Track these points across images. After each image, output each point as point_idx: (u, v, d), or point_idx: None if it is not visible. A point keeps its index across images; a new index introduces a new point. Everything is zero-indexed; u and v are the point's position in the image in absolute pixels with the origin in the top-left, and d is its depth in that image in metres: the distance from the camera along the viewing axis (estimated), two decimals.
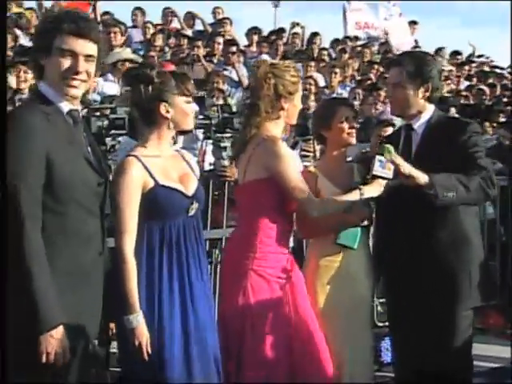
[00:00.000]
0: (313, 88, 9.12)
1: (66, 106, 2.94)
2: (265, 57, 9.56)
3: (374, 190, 3.71)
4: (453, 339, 3.75)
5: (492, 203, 7.39)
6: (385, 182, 3.72)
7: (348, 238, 4.01)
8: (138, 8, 10.81)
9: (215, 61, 9.28)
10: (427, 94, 3.85)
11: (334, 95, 9.38)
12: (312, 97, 8.21)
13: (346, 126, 4.08)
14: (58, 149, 2.82)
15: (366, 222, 4.05)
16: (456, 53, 14.17)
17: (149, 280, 3.16)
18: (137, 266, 3.13)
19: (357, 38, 12.74)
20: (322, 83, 9.91)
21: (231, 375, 3.50)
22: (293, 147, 6.63)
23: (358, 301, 4.02)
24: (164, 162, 3.29)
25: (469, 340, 3.84)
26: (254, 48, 10.72)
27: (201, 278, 3.27)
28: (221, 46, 9.47)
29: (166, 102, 3.25)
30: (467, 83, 12.36)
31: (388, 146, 3.77)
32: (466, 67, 13.14)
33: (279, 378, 3.53)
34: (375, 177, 3.70)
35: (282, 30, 11.82)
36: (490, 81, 12.72)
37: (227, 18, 11.25)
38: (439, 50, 14.27)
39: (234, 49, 9.25)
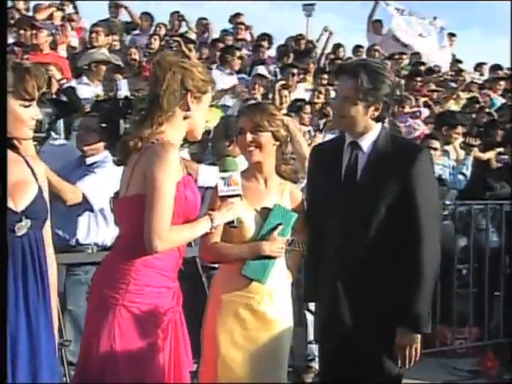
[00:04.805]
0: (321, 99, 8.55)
1: None
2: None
3: (225, 213, 3.12)
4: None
5: (496, 230, 6.70)
6: (238, 199, 3.14)
7: (256, 269, 3.39)
8: (146, 13, 10.37)
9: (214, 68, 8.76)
10: (377, 113, 3.31)
11: None
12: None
13: (239, 139, 3.51)
14: None
15: (278, 254, 3.42)
16: (497, 67, 13.27)
17: None
18: None
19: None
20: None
21: None
22: None
23: (267, 345, 3.41)
24: None
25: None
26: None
27: (25, 307, 2.71)
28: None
29: None
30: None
31: (230, 158, 3.28)
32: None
33: None
34: (223, 198, 3.13)
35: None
36: None
37: (242, 23, 10.73)
38: (479, 66, 13.43)
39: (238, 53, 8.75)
